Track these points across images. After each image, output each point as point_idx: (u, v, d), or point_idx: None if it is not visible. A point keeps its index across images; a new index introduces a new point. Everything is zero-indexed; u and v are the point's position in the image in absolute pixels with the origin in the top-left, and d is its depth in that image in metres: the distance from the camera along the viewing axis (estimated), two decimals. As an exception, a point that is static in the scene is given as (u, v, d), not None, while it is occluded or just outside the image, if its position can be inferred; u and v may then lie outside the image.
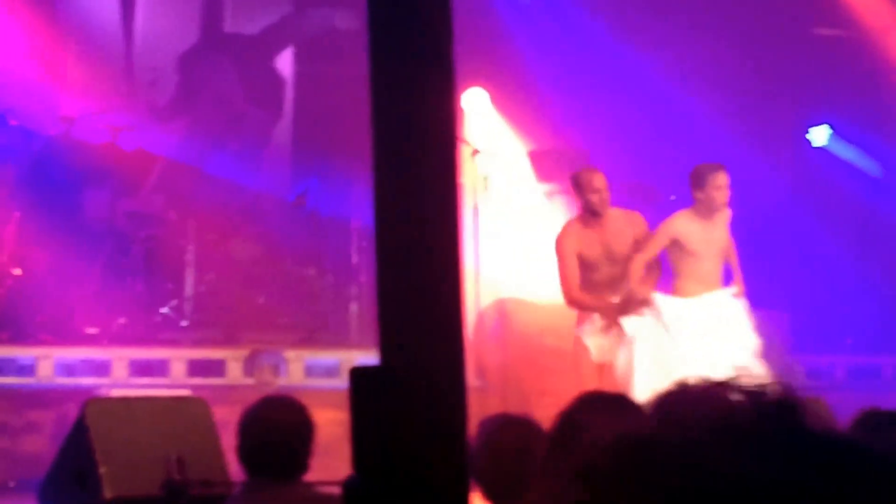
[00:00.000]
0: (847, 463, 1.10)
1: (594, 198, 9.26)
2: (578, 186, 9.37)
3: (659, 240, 9.34)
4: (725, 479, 1.06)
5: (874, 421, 4.17)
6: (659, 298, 9.16)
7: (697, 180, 9.27)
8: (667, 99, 12.91)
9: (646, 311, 9.09)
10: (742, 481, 1.06)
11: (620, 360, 9.09)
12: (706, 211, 9.25)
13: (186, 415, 6.22)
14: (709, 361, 8.73)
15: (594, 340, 9.21)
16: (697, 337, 9.01)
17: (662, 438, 1.11)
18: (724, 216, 9.37)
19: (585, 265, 9.32)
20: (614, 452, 1.12)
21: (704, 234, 9.30)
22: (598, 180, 9.32)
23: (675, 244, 9.30)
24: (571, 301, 9.34)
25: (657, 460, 1.09)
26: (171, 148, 12.40)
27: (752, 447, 1.08)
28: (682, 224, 9.30)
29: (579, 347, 9.29)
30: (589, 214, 9.34)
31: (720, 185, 9.19)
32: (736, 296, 9.31)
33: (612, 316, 9.16)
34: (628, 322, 9.10)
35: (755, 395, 1.14)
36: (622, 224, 9.40)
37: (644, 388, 8.73)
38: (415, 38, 4.60)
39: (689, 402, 1.15)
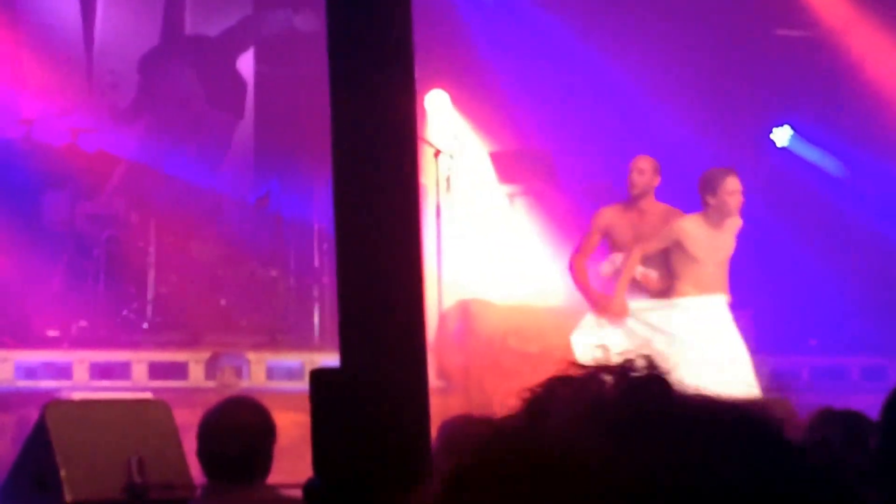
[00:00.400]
0: (707, 434, 1.08)
1: (636, 178, 9.40)
2: (631, 169, 9.55)
3: (663, 237, 9.33)
4: (593, 467, 1.05)
5: (828, 419, 4.18)
6: (643, 308, 9.28)
7: (708, 185, 9.22)
8: (629, 99, 12.93)
9: (630, 318, 9.19)
10: (609, 465, 1.05)
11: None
12: (717, 217, 9.19)
13: (148, 418, 6.19)
14: (694, 365, 8.70)
15: (585, 339, 9.19)
16: (682, 340, 9.05)
17: (527, 434, 1.09)
18: (735, 224, 9.32)
19: (614, 247, 9.48)
20: (481, 453, 1.10)
21: (711, 240, 9.26)
22: (643, 161, 9.43)
23: (678, 246, 9.27)
24: (570, 266, 9.64)
25: (521, 458, 1.07)
26: (132, 150, 12.36)
27: (617, 429, 1.06)
28: (690, 227, 9.26)
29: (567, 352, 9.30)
30: (632, 198, 9.49)
31: (733, 189, 9.15)
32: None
33: (594, 305, 9.26)
34: (589, 323, 9.21)
35: (621, 375, 1.12)
36: (660, 219, 9.40)
37: None
38: (374, 39, 4.60)
39: (559, 393, 1.12)
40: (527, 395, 1.13)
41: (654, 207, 9.50)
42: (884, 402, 3.00)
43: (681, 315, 9.15)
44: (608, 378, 1.12)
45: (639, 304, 9.32)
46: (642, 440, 1.06)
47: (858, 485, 1.10)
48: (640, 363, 1.13)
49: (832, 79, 13.42)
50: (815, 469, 1.09)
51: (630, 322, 9.20)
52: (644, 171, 9.46)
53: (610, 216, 9.54)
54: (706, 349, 9.02)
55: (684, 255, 9.25)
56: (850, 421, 4.15)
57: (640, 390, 1.10)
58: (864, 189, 13.06)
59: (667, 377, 1.12)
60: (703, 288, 9.23)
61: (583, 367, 1.14)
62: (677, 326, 9.12)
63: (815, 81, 13.50)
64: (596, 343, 9.10)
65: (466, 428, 4.47)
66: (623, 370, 1.12)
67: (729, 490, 1.05)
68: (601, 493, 1.04)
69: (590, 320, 9.34)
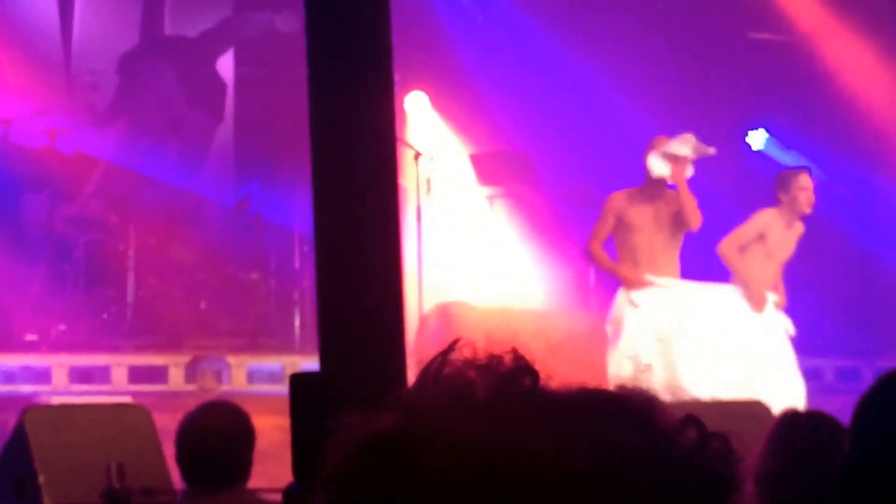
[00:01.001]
0: (573, 419, 1.11)
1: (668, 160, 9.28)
2: (650, 145, 9.47)
3: (750, 229, 9.29)
4: (466, 458, 1.07)
5: (792, 423, 4.18)
6: (677, 282, 9.17)
7: (782, 184, 9.32)
8: (607, 102, 12.95)
9: (641, 296, 9.07)
10: (481, 453, 1.07)
11: (608, 332, 9.13)
12: (789, 213, 9.27)
13: (127, 422, 6.20)
14: (715, 347, 8.84)
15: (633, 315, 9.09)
16: (708, 326, 9.01)
17: (399, 432, 1.10)
18: (798, 230, 9.41)
19: (629, 231, 9.32)
20: (358, 452, 1.11)
21: (783, 237, 9.34)
22: (662, 142, 9.40)
23: (760, 238, 9.29)
24: (586, 252, 9.51)
25: (397, 456, 1.08)
26: (111, 151, 12.32)
27: (487, 420, 1.08)
28: (773, 219, 9.29)
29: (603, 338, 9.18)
30: (647, 176, 9.37)
31: (804, 185, 9.23)
32: (777, 305, 9.32)
33: (627, 279, 9.14)
34: (640, 294, 9.09)
35: (490, 367, 1.13)
36: (675, 204, 9.35)
37: (624, 359, 8.89)
38: (353, 41, 4.58)
39: (429, 392, 1.13)
40: (397, 396, 1.13)
41: (667, 192, 9.43)
42: (855, 407, 2.98)
43: (732, 300, 9.09)
44: (475, 374, 1.13)
45: (688, 283, 9.22)
46: (511, 428, 1.08)
47: (741, 478, 1.12)
48: (508, 358, 1.15)
49: (807, 83, 13.46)
50: (682, 455, 1.10)
51: (671, 295, 9.07)
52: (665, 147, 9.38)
53: (624, 200, 9.40)
54: (744, 338, 9.00)
55: (762, 247, 9.27)
56: (815, 423, 4.09)
57: (509, 383, 1.12)
58: (838, 192, 13.08)
59: (534, 369, 1.15)
60: (766, 285, 9.21)
61: (450, 364, 1.14)
62: (720, 309, 9.06)
63: (791, 85, 13.54)
64: (641, 319, 9.02)
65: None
66: (490, 366, 1.14)
67: (594, 470, 1.07)
68: (473, 484, 1.06)
69: (624, 298, 9.20)
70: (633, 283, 9.10)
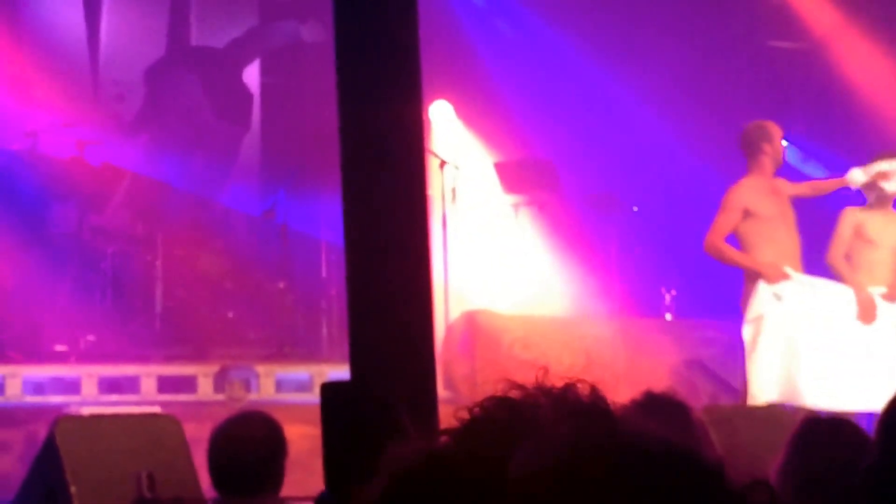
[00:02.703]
0: (647, 474, 1.09)
1: (779, 146, 8.93)
2: (765, 136, 8.98)
3: (845, 226, 8.96)
4: (523, 494, 1.06)
5: (812, 427, 4.15)
6: (804, 278, 8.75)
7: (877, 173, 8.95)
8: (629, 111, 12.94)
9: (784, 289, 8.62)
10: (545, 494, 1.06)
11: (746, 335, 8.64)
12: (878, 204, 8.93)
13: (157, 432, 6.18)
14: (838, 354, 8.48)
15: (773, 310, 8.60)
16: (831, 325, 8.63)
17: (459, 457, 1.10)
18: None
19: (761, 220, 8.84)
20: (414, 475, 1.11)
21: (882, 227, 8.97)
22: (777, 130, 9.02)
23: (858, 234, 8.95)
24: (709, 246, 8.87)
25: (452, 481, 1.09)
26: (139, 162, 12.32)
27: (554, 457, 1.07)
28: (863, 215, 8.95)
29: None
30: (769, 168, 8.93)
31: (887, 170, 8.91)
32: (885, 297, 8.84)
33: (755, 269, 8.65)
34: (766, 298, 8.64)
35: (558, 401, 1.13)
36: (787, 194, 9.02)
37: (765, 370, 8.49)
38: (381, 51, 4.60)
39: (495, 414, 1.13)
40: (464, 415, 1.12)
41: (780, 181, 9.05)
42: (881, 416, 2.96)
43: (840, 300, 8.72)
44: (546, 401, 1.12)
45: (817, 281, 8.82)
46: (579, 470, 1.06)
47: None
48: (584, 389, 1.13)
49: (827, 91, 13.41)
50: None
51: (808, 291, 8.67)
52: (782, 138, 8.99)
53: (750, 191, 8.87)
54: (867, 339, 8.62)
55: (860, 241, 8.98)
56: (835, 428, 4.05)
57: (581, 419, 1.11)
58: (858, 199, 13.07)
59: (608, 406, 1.14)
60: (876, 278, 8.85)
61: (521, 388, 1.13)
62: (840, 310, 8.69)
63: (810, 93, 13.49)
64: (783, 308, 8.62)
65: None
66: (563, 395, 1.13)
67: None
68: None
69: (767, 292, 8.68)
70: (776, 276, 8.64)
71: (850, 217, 9.07)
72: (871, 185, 9.00)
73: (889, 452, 2.81)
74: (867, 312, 8.68)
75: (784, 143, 9.02)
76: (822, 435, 3.97)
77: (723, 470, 1.12)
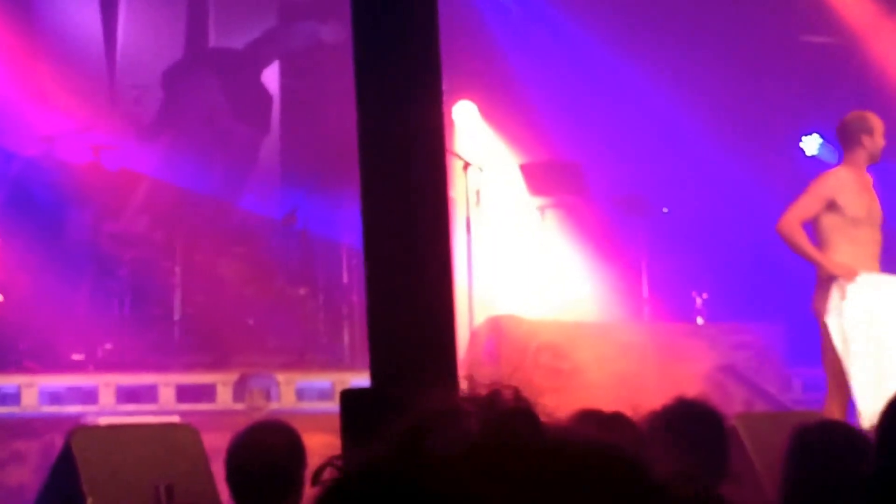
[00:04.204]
0: (573, 474, 1.11)
1: (880, 141, 8.47)
2: (857, 129, 8.54)
3: None
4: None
5: (806, 432, 4.16)
6: (875, 277, 8.35)
7: None
8: (658, 110, 12.82)
9: (868, 286, 8.23)
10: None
11: (835, 338, 8.23)
12: None
13: (175, 442, 6.21)
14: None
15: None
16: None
17: (395, 470, 1.12)
18: None
19: (848, 218, 8.39)
20: (348, 488, 1.13)
21: None
22: (880, 124, 8.56)
23: None
24: (783, 227, 8.38)
25: (389, 495, 1.10)
26: (156, 167, 12.29)
27: (484, 466, 1.09)
28: None
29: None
30: (863, 163, 8.50)
31: None
32: None
33: (826, 268, 8.24)
34: (847, 294, 8.23)
35: (484, 407, 1.15)
36: (873, 191, 8.59)
37: (860, 375, 8.13)
38: (401, 50, 4.46)
39: (428, 426, 1.15)
40: (398, 428, 1.14)
41: (869, 177, 8.63)
42: (880, 418, 2.91)
43: None
44: (472, 408, 1.14)
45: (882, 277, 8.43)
46: (507, 479, 1.09)
47: None
48: (508, 394, 1.16)
49: (860, 85, 13.26)
50: None
51: (886, 292, 8.28)
52: (883, 134, 8.55)
53: (841, 182, 8.43)
54: None
55: None
56: (828, 432, 4.15)
57: (506, 425, 1.12)
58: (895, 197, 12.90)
59: (532, 410, 1.15)
60: None
61: (450, 398, 1.16)
62: None
63: (844, 88, 13.33)
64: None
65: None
66: (488, 401, 1.15)
67: None
68: None
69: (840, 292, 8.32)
70: (849, 276, 8.26)
71: None
72: None
73: (888, 454, 2.79)
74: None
75: (884, 141, 8.59)
76: (816, 441, 4.03)
77: (645, 467, 1.13)
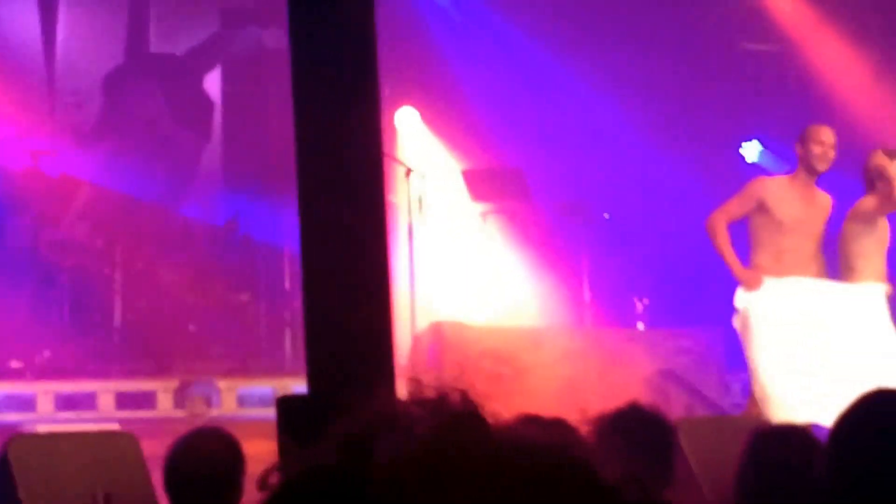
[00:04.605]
0: (523, 478, 1.10)
1: (817, 149, 8.58)
2: (804, 138, 8.68)
3: (861, 219, 8.75)
4: None
5: (763, 437, 4.19)
6: (789, 282, 8.50)
7: (873, 168, 8.66)
8: (601, 116, 12.85)
9: (770, 294, 8.40)
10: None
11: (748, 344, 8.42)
12: (886, 205, 8.62)
13: (115, 450, 6.10)
14: (845, 356, 8.26)
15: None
16: (838, 327, 8.41)
17: (339, 475, 1.11)
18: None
19: (774, 223, 8.57)
20: (293, 489, 1.12)
21: (884, 227, 8.72)
22: (827, 135, 8.67)
23: (866, 228, 8.76)
24: (709, 224, 8.60)
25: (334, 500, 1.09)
26: (97, 173, 12.20)
27: (431, 471, 1.09)
28: (874, 211, 8.65)
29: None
30: (804, 171, 8.64)
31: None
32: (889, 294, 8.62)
33: (733, 272, 8.45)
34: (749, 301, 8.42)
35: (432, 410, 1.14)
36: (822, 202, 8.75)
37: (770, 378, 8.29)
38: (338, 58, 4.45)
39: (374, 430, 1.15)
40: (342, 431, 1.13)
41: (815, 188, 8.77)
42: (833, 427, 2.93)
43: (842, 300, 8.49)
44: (419, 411, 1.14)
45: (803, 282, 8.55)
46: (459, 484, 1.08)
47: None
48: (455, 397, 1.15)
49: (800, 93, 13.36)
50: None
51: (790, 298, 8.43)
52: (825, 143, 8.62)
53: (775, 186, 8.63)
54: (859, 339, 8.38)
55: (866, 238, 8.74)
56: (785, 437, 4.15)
57: (455, 429, 1.12)
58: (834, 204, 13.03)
59: (480, 412, 1.15)
60: (874, 275, 8.63)
61: (398, 402, 1.15)
62: (833, 312, 8.45)
63: (784, 95, 13.43)
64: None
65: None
66: (436, 404, 1.15)
67: None
68: None
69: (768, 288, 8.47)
70: (751, 284, 8.49)
71: (866, 206, 8.85)
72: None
73: (839, 463, 2.80)
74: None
75: (820, 149, 8.68)
76: (773, 444, 4.04)
77: (595, 468, 1.14)
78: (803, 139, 8.70)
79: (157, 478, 5.65)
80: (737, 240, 8.67)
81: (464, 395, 1.17)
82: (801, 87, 13.36)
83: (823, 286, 8.62)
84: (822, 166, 8.67)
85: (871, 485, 2.72)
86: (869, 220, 8.71)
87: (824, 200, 8.84)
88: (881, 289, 8.61)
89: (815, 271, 8.66)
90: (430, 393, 1.17)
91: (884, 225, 8.79)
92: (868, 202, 8.67)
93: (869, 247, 8.71)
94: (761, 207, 8.57)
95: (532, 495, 1.09)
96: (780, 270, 8.53)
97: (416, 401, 1.16)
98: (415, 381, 1.20)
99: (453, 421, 1.14)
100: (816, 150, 8.63)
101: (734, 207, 8.65)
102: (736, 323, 8.59)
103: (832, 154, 8.68)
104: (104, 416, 9.79)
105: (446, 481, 1.08)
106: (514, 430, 1.17)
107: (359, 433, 1.12)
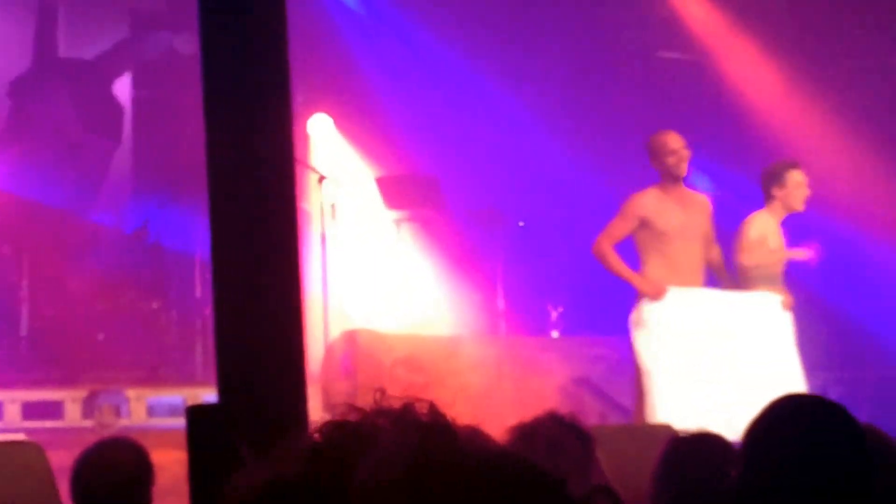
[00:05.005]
0: (492, 489, 1.09)
1: (671, 159, 8.72)
2: (653, 152, 8.82)
3: (753, 235, 8.89)
4: None
5: (680, 444, 4.26)
6: (692, 292, 8.66)
7: (774, 178, 8.91)
8: (515, 124, 12.88)
9: (674, 303, 8.54)
10: None
11: (641, 354, 8.53)
12: (783, 212, 8.91)
13: (20, 460, 5.99)
14: (741, 365, 8.40)
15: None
16: (733, 337, 8.55)
17: (305, 486, 1.09)
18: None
19: (658, 234, 8.72)
20: (259, 499, 1.10)
21: (780, 236, 8.93)
22: (674, 140, 8.80)
23: (762, 238, 8.85)
24: (596, 250, 8.75)
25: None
26: (3, 179, 12.05)
27: (404, 480, 1.07)
28: (772, 222, 8.88)
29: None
30: (669, 180, 8.77)
31: (799, 182, 8.86)
32: (784, 305, 8.78)
33: (636, 286, 8.58)
34: (654, 311, 8.55)
35: (397, 420, 1.13)
36: (700, 205, 8.90)
37: (666, 388, 8.37)
38: (249, 63, 4.39)
39: (336, 439, 1.14)
40: (306, 440, 1.12)
41: (687, 191, 8.94)
42: (745, 432, 2.97)
43: (742, 309, 8.65)
44: (385, 422, 1.12)
45: (706, 292, 8.73)
46: (421, 481, 1.07)
47: None
48: (422, 407, 1.14)
49: (715, 101, 13.45)
50: None
51: (693, 308, 8.56)
52: (677, 149, 8.77)
53: (651, 199, 8.76)
54: (758, 347, 8.56)
55: (760, 250, 8.82)
56: (701, 444, 4.20)
57: (423, 435, 1.11)
58: (745, 212, 13.14)
59: (447, 421, 1.14)
60: (771, 285, 8.78)
61: (360, 410, 1.15)
62: (732, 320, 8.59)
63: (699, 104, 13.52)
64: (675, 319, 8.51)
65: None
66: (402, 414, 1.13)
67: None
68: None
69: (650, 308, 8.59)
70: (655, 294, 8.64)
71: (760, 224, 9.00)
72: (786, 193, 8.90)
73: (751, 468, 2.84)
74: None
75: (674, 158, 8.80)
76: (688, 452, 4.11)
77: (563, 481, 1.15)
78: (654, 154, 8.87)
79: (64, 489, 5.57)
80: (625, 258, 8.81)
81: (431, 405, 1.16)
82: (714, 95, 13.45)
83: (725, 296, 8.74)
84: (683, 170, 8.83)
85: (785, 489, 2.74)
86: (762, 232, 8.87)
87: (701, 200, 9.04)
88: (778, 298, 8.74)
89: (705, 272, 8.85)
90: (395, 403, 1.15)
91: (779, 235, 8.93)
92: (761, 217, 8.86)
93: (765, 257, 8.85)
94: (643, 223, 8.75)
95: None
96: (675, 278, 8.67)
97: (382, 410, 1.15)
98: (380, 391, 1.17)
99: (423, 434, 1.12)
100: (671, 160, 8.81)
101: (616, 229, 8.80)
102: (634, 331, 8.64)
103: (686, 153, 8.86)
104: (9, 427, 9.65)
105: (429, 499, 1.07)
106: (481, 442, 1.16)
107: (326, 446, 1.11)
